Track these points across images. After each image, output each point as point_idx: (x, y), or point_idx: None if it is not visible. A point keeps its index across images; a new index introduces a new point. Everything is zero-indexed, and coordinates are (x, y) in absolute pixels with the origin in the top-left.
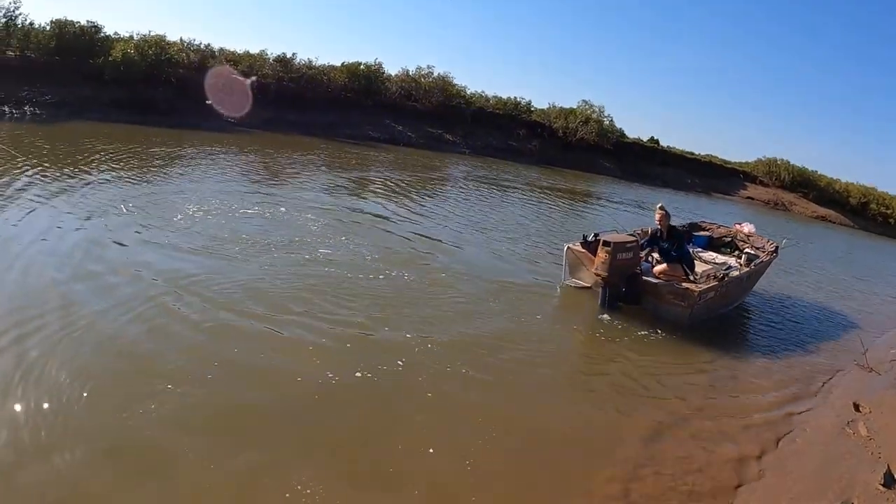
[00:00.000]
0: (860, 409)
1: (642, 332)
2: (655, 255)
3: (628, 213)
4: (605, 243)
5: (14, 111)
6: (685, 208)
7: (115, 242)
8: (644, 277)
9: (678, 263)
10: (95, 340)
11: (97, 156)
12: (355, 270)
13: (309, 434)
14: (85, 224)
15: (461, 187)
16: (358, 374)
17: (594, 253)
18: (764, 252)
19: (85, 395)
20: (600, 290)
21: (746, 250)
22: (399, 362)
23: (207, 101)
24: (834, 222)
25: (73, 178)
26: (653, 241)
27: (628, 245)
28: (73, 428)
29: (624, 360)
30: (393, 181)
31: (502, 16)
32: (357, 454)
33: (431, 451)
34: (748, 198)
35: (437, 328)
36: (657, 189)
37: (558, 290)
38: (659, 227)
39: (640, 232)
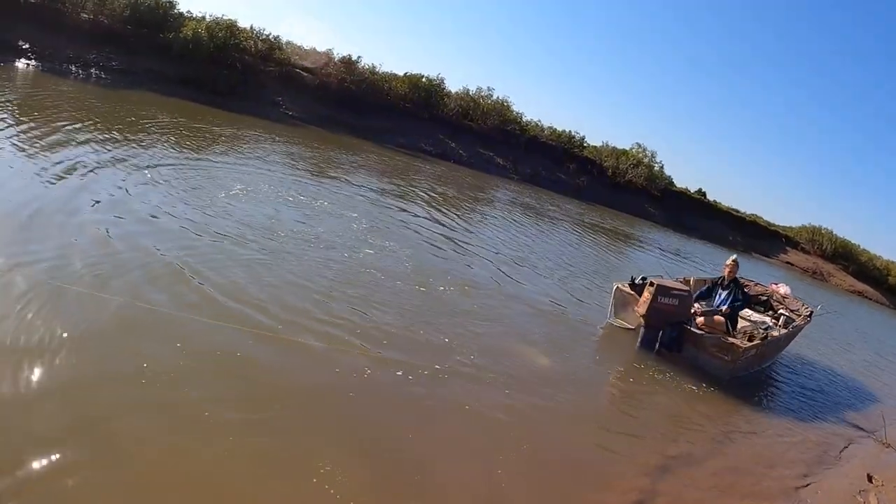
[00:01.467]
0: (873, 480)
1: (674, 379)
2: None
3: (666, 260)
4: (651, 284)
5: (80, 72)
6: (721, 264)
7: (154, 215)
8: (690, 328)
9: (723, 317)
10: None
11: (152, 125)
12: (397, 277)
13: (341, 424)
14: (123, 188)
15: (508, 211)
16: (399, 373)
17: (641, 295)
18: (799, 316)
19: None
20: (640, 330)
21: (781, 311)
22: (436, 366)
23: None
24: (870, 298)
25: (123, 142)
26: (712, 288)
27: (674, 291)
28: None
29: (652, 402)
30: (442, 195)
31: (569, 50)
32: (387, 452)
33: (460, 460)
34: (787, 263)
35: (478, 344)
36: (698, 241)
37: (600, 328)
38: (724, 276)
39: (682, 280)
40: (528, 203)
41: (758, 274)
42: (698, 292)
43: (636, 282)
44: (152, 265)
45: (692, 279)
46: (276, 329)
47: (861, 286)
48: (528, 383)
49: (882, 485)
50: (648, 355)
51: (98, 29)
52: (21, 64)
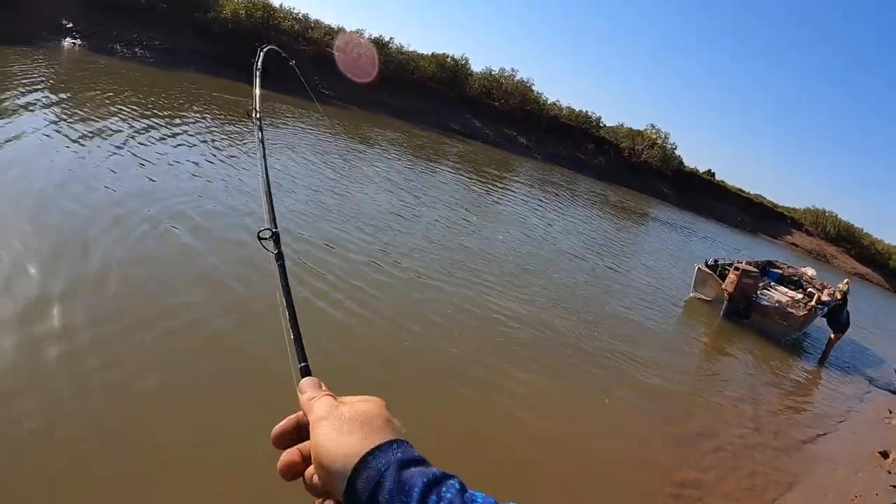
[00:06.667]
0: (892, 412)
1: (747, 339)
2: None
3: (682, 236)
4: (736, 268)
5: (125, 51)
6: (730, 245)
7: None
8: (758, 303)
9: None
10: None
11: (202, 102)
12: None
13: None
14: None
15: (562, 198)
16: (537, 331)
17: (715, 273)
18: (827, 295)
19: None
20: (724, 303)
21: (810, 290)
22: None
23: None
24: (871, 281)
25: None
26: (840, 309)
27: (752, 274)
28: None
29: (735, 353)
30: (500, 177)
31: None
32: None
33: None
34: (792, 244)
35: (593, 320)
36: (709, 220)
37: (683, 301)
38: (839, 296)
39: (737, 261)
40: (557, 182)
41: (762, 255)
42: (827, 315)
43: (709, 263)
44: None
45: (744, 261)
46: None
47: (863, 269)
48: (654, 341)
49: None
50: (727, 322)
51: (136, 7)
52: (67, 43)
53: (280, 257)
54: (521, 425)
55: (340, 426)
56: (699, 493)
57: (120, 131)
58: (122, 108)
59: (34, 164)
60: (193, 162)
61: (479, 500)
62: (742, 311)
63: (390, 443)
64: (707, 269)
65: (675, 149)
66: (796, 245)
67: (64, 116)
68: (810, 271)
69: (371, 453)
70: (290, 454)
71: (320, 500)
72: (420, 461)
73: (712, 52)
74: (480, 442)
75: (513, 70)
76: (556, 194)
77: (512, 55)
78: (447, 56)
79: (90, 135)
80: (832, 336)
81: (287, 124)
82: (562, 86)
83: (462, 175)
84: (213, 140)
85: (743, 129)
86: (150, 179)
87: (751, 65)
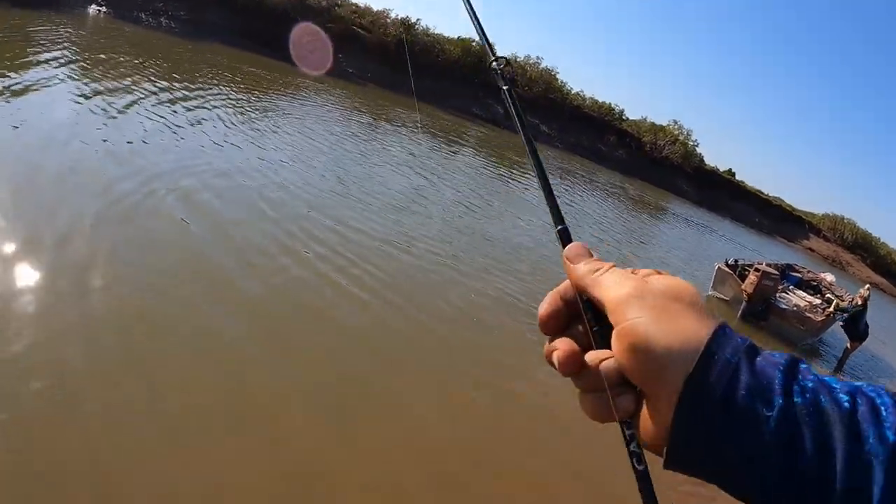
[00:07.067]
0: None
1: (761, 341)
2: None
3: (700, 234)
4: (756, 270)
5: (150, 20)
6: (748, 245)
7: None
8: (777, 305)
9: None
10: None
11: (220, 72)
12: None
13: None
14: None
15: (582, 185)
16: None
17: (735, 273)
18: (844, 301)
19: None
20: (742, 304)
21: (828, 296)
22: None
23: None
24: (885, 291)
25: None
26: (860, 315)
27: (772, 276)
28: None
29: None
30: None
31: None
32: None
33: None
34: (809, 249)
35: None
36: (726, 219)
37: (703, 299)
38: (860, 303)
39: (757, 262)
40: (577, 172)
41: (778, 258)
42: (847, 322)
43: (729, 262)
44: None
45: (764, 262)
46: None
47: (878, 278)
48: None
49: None
50: (744, 323)
51: None
52: (92, 10)
53: (511, 94)
54: (542, 412)
55: (663, 306)
56: (713, 493)
57: (134, 94)
58: (141, 73)
59: (41, 119)
60: (200, 127)
61: (836, 385)
62: (760, 312)
63: (724, 326)
64: (727, 269)
65: (697, 146)
66: (812, 250)
67: (81, 77)
68: (829, 277)
69: (714, 340)
70: (567, 343)
71: (591, 391)
72: (756, 347)
73: (737, 40)
74: (502, 429)
75: (538, 58)
76: (576, 184)
77: (541, 39)
78: (473, 41)
79: (101, 94)
80: (849, 344)
81: (308, 98)
82: (590, 73)
83: (482, 159)
84: (224, 107)
85: (761, 119)
86: (153, 143)
87: (770, 56)
